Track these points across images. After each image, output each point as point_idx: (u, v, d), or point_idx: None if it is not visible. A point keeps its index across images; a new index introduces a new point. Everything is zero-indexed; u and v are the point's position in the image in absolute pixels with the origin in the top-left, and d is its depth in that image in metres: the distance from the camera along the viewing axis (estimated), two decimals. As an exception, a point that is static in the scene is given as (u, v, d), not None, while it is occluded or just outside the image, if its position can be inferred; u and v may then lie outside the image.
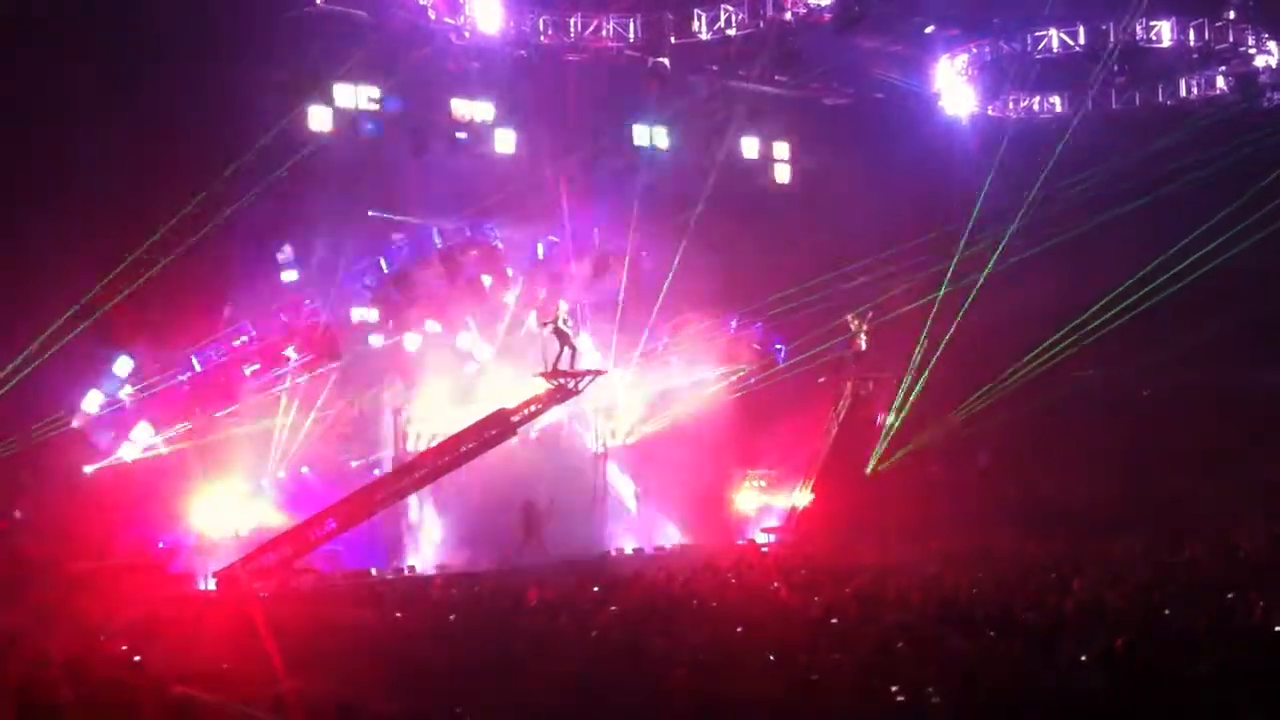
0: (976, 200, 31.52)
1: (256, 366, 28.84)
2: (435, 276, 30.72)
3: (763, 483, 34.61)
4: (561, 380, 24.65)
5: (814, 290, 32.40)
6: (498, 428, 25.56)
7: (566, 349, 24.51)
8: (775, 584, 23.43)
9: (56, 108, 24.36)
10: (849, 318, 30.89)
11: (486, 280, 31.71)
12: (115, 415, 27.77)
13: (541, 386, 25.59)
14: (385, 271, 30.21)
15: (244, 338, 28.67)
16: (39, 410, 26.15)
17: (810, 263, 32.27)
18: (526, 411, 25.38)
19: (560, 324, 24.27)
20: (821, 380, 32.61)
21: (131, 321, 26.95)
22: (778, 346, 34.06)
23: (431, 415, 30.68)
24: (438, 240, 30.75)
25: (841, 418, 32.05)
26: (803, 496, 33.06)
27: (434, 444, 28.80)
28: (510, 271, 31.93)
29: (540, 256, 32.07)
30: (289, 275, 29.71)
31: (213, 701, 13.12)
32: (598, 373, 25.91)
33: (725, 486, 33.99)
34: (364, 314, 30.68)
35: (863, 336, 30.75)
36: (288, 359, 29.16)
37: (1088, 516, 28.37)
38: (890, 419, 32.14)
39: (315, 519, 25.67)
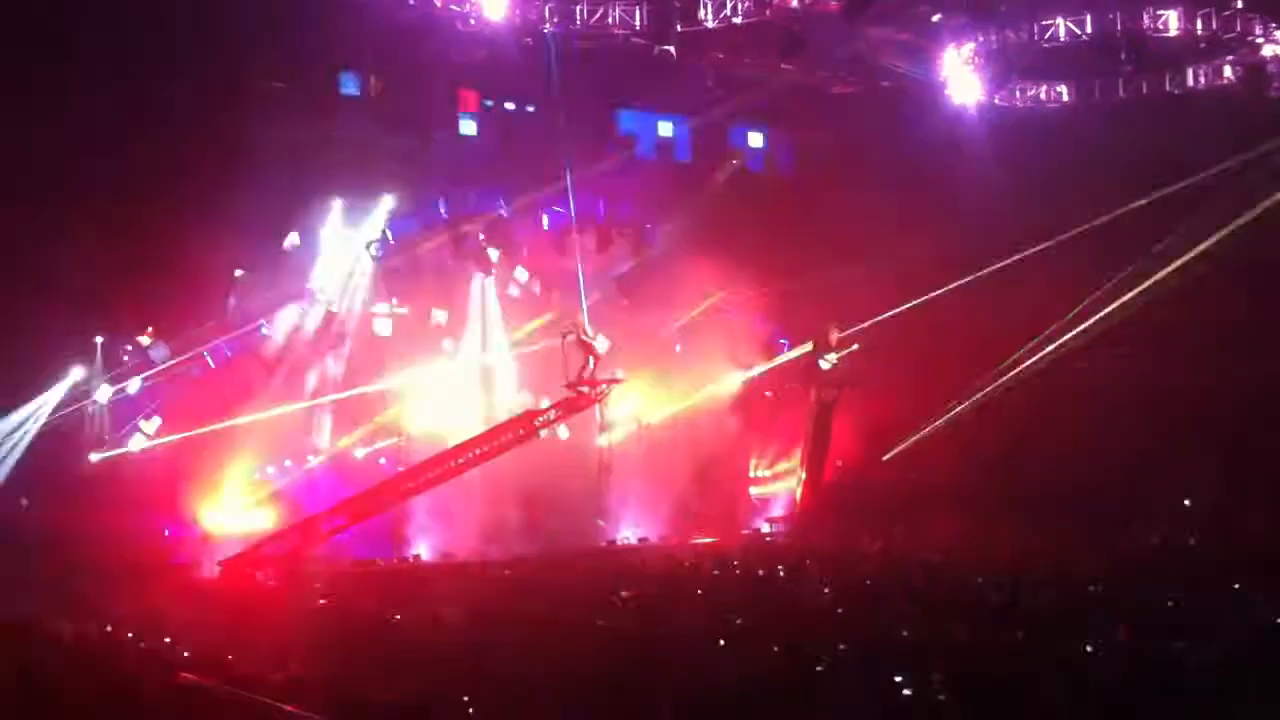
0: (982, 190, 31.52)
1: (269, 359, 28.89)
2: (441, 246, 30.71)
3: (767, 472, 34.64)
4: (583, 390, 25.13)
5: (817, 283, 32.35)
6: (521, 431, 25.80)
7: (590, 359, 24.97)
8: (780, 571, 23.49)
9: (57, 97, 24.34)
10: (831, 330, 31.00)
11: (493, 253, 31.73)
12: (123, 405, 27.80)
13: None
14: (391, 242, 30.20)
15: (259, 325, 28.70)
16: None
17: (814, 254, 32.23)
18: (549, 417, 25.81)
19: (582, 335, 24.78)
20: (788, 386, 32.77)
21: (138, 311, 27.02)
22: (781, 341, 33.94)
23: (437, 403, 30.83)
24: (443, 210, 30.71)
25: (812, 423, 32.28)
26: (798, 488, 33.21)
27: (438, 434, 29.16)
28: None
29: (545, 227, 32.00)
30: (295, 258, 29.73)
31: (218, 689, 13.17)
32: (616, 381, 26.32)
33: (730, 476, 34.01)
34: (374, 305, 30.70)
35: (834, 354, 30.86)
36: (294, 349, 29.16)
37: (1092, 506, 28.35)
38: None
39: (324, 514, 25.70)
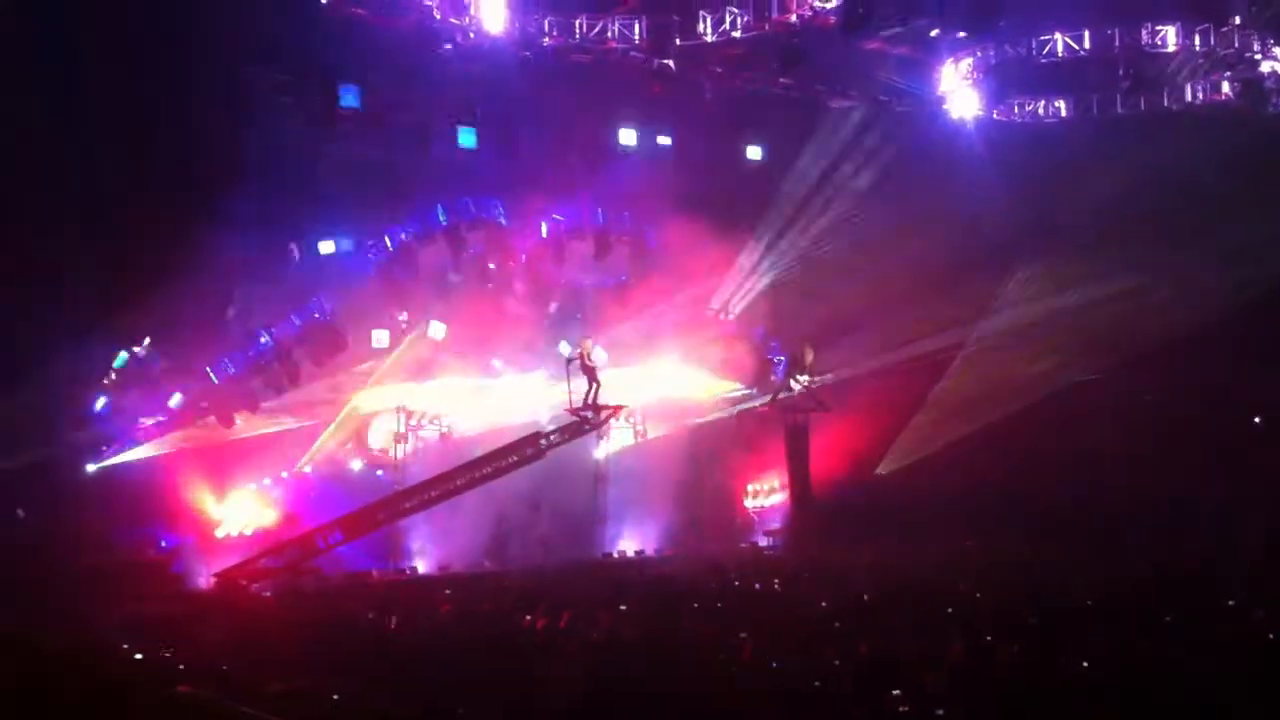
0: (980, 205, 31.54)
1: (269, 373, 28.82)
2: (439, 253, 30.64)
3: (765, 485, 34.61)
4: (587, 414, 25.29)
5: (813, 298, 32.34)
6: (528, 452, 25.88)
7: (595, 384, 25.15)
8: (776, 583, 23.46)
9: (57, 105, 24.34)
10: (807, 351, 31.09)
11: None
12: (120, 415, 27.77)
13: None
14: (390, 249, 30.14)
15: (263, 338, 28.66)
16: (44, 408, 26.15)
17: (811, 269, 32.24)
18: (553, 440, 25.99)
19: (587, 359, 24.93)
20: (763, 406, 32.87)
21: (141, 323, 27.00)
22: (778, 359, 33.85)
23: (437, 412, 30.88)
24: (442, 217, 30.68)
25: (788, 442, 32.40)
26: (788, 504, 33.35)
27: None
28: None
29: (544, 235, 31.96)
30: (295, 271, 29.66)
31: (214, 701, 13.13)
32: (619, 408, 26.42)
33: (728, 488, 33.99)
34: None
35: (806, 376, 30.95)
36: (295, 361, 29.07)
37: (1088, 518, 28.33)
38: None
39: (321, 529, 25.66)
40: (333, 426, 29.89)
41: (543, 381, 30.30)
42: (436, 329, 30.45)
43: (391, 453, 30.63)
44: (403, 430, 30.60)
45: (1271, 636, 15.07)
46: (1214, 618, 16.47)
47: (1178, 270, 29.91)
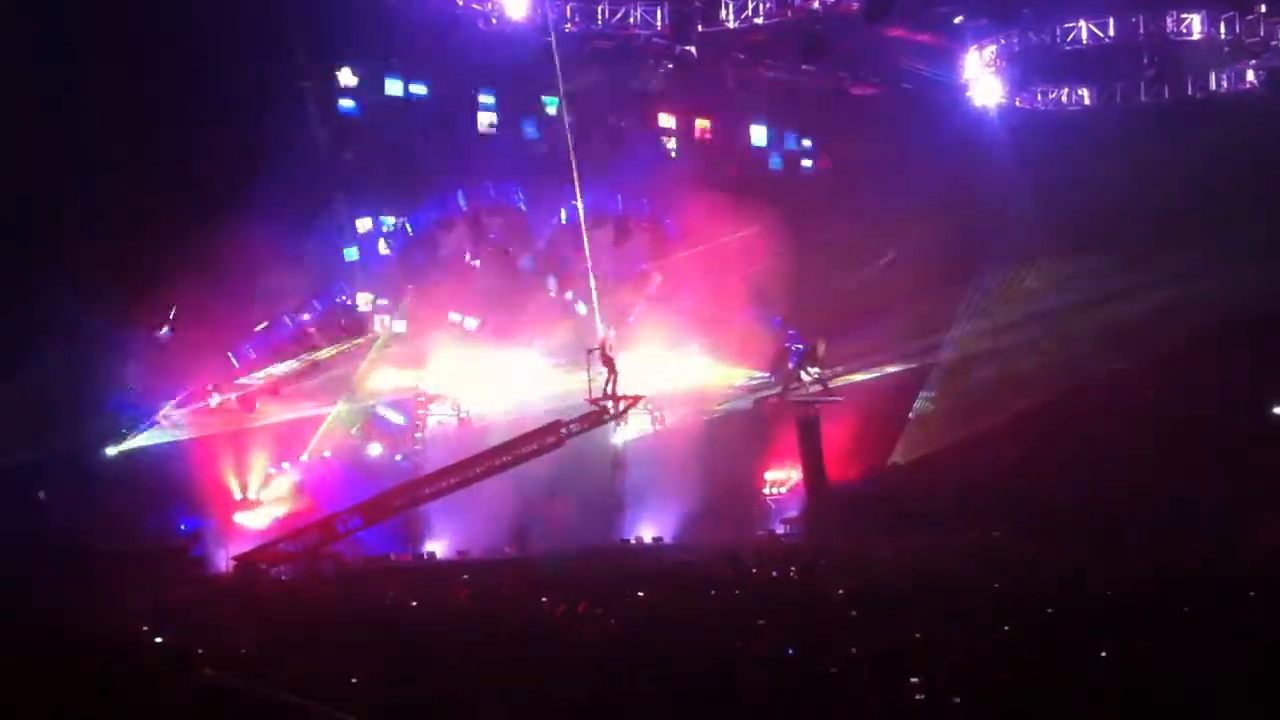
0: (1002, 194, 31.40)
1: (292, 362, 28.93)
2: (459, 239, 30.63)
3: (782, 474, 34.58)
4: (607, 404, 25.40)
5: (833, 286, 32.25)
6: (548, 440, 26.01)
7: (614, 375, 25.27)
8: (793, 571, 23.48)
9: (78, 91, 24.45)
10: (820, 344, 31.12)
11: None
12: (141, 400, 27.91)
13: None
14: (410, 234, 30.17)
15: (287, 320, 28.78)
16: (64, 394, 26.29)
17: (832, 257, 32.13)
18: (572, 429, 26.14)
19: (607, 349, 25.02)
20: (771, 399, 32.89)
21: (161, 309, 27.13)
22: (797, 347, 33.78)
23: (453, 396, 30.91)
24: (462, 202, 30.66)
25: (800, 433, 32.43)
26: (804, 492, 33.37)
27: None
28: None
29: (563, 221, 31.93)
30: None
31: (238, 685, 13.20)
32: (638, 398, 26.50)
33: (746, 476, 33.95)
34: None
35: (817, 370, 30.93)
36: (315, 342, 29.15)
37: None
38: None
39: (341, 514, 25.79)
40: (334, 412, 29.87)
41: (556, 367, 30.32)
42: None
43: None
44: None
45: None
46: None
47: (1196, 266, 29.64)
